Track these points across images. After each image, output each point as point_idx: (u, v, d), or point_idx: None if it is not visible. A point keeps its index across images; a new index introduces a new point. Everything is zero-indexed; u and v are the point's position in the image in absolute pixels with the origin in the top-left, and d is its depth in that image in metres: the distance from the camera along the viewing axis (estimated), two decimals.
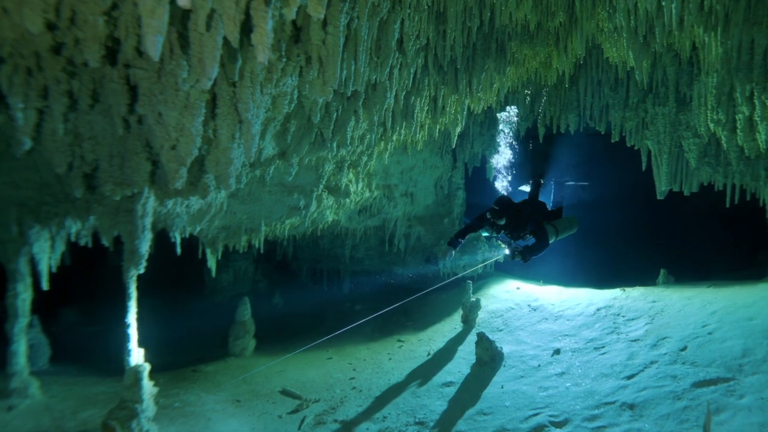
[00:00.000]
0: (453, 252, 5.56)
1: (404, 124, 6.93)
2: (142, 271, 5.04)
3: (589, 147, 9.88)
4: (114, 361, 6.23)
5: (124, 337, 5.19)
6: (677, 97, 6.95)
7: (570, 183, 7.23)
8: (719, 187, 7.19)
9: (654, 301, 7.02)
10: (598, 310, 7.32)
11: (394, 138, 7.32)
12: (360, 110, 5.89)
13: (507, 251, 5.46)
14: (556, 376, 6.10)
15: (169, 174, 3.74)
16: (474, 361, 6.82)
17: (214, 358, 7.51)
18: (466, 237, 5.70)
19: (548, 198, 6.96)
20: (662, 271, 8.11)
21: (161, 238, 6.23)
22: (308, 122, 5.93)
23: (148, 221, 4.99)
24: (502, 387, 6.13)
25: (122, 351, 5.18)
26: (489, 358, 6.73)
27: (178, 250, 6.42)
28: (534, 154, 10.37)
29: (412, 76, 6.03)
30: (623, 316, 6.93)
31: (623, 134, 7.72)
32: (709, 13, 5.30)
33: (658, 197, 7.58)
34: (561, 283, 9.62)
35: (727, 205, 7.20)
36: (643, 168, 7.70)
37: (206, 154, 4.17)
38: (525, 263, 5.35)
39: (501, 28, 6.43)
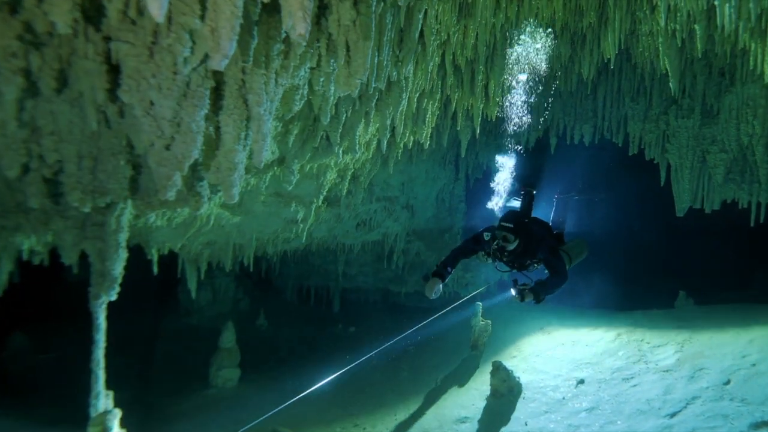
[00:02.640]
0: (440, 286, 4.06)
1: (414, 129, 6.29)
2: (114, 297, 4.16)
3: (594, 159, 9.36)
4: (70, 397, 5.20)
5: (91, 377, 4.30)
6: (703, 110, 6.53)
7: (576, 197, 6.49)
8: (743, 204, 6.80)
9: (679, 327, 6.53)
10: (619, 335, 6.77)
11: (402, 145, 6.65)
12: (372, 112, 5.19)
13: (513, 292, 3.99)
14: (586, 412, 5.50)
15: (159, 181, 2.92)
16: (488, 392, 6.16)
17: (194, 391, 6.52)
18: (456, 265, 4.31)
19: (546, 217, 6.19)
20: (681, 293, 7.66)
21: (129, 250, 5.22)
22: (313, 124, 5.18)
23: (123, 237, 4.12)
24: (526, 424, 5.52)
25: (85, 391, 4.27)
26: (506, 390, 6.09)
27: (155, 269, 5.51)
28: (525, 163, 9.53)
29: (428, 76, 5.40)
30: (648, 343, 6.40)
31: (642, 147, 7.27)
32: (759, 18, 4.87)
33: (678, 214, 7.14)
34: (566, 303, 9.10)
35: (752, 224, 6.83)
36: (662, 183, 7.25)
37: (203, 157, 3.37)
38: (537, 304, 3.96)
39: (524, 27, 5.89)
